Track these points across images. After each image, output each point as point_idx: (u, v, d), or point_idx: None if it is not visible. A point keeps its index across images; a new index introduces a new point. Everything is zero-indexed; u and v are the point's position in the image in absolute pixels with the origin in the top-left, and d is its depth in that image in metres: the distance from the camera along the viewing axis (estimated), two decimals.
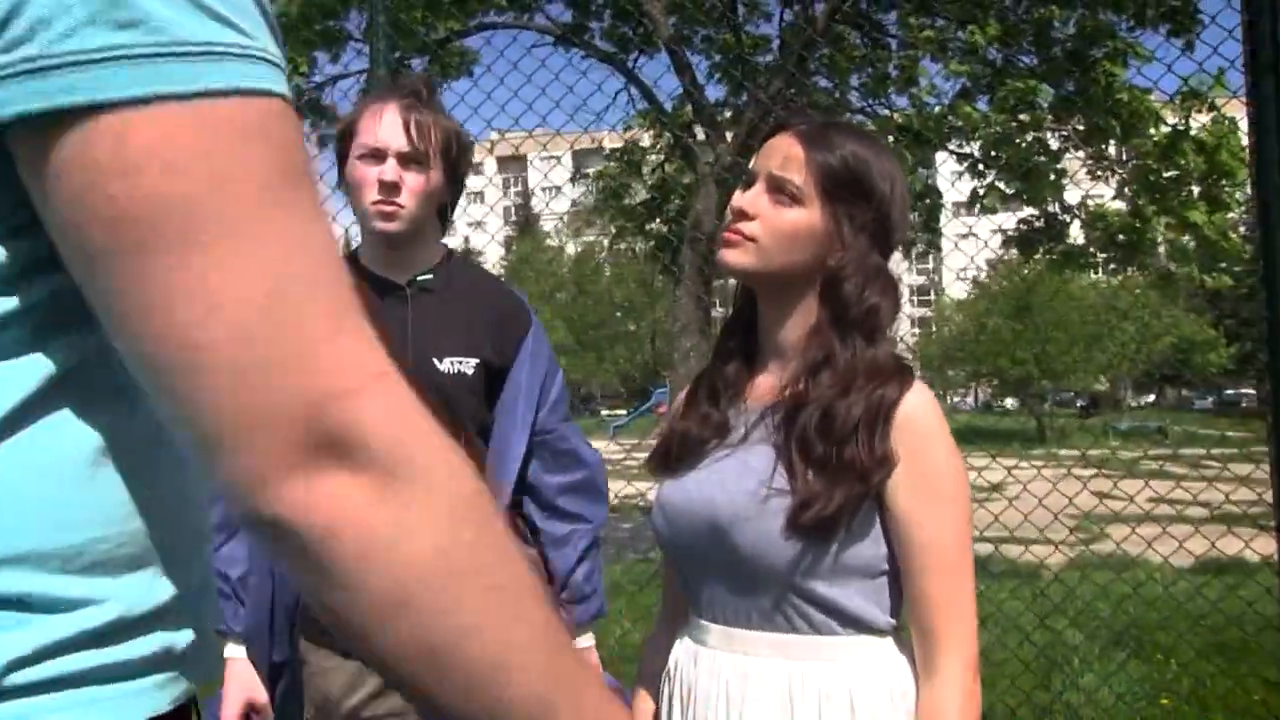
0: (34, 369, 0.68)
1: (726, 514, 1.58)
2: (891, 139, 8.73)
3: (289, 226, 0.65)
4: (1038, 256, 9.71)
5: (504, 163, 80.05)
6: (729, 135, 8.87)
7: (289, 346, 0.63)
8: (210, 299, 0.62)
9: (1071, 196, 9.36)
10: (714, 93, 11.17)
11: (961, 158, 9.17)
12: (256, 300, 0.63)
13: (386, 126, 2.20)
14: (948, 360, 42.99)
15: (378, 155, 2.20)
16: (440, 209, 2.34)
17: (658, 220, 11.20)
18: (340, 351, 0.65)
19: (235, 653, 2.23)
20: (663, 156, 11.02)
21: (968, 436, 28.55)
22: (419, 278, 2.30)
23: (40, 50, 0.59)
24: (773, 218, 1.62)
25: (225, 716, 2.19)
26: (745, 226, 1.63)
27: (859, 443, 1.52)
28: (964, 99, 8.69)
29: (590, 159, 14.47)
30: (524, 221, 77.58)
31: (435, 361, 2.22)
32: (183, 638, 0.76)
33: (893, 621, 1.61)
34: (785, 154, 1.63)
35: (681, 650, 1.71)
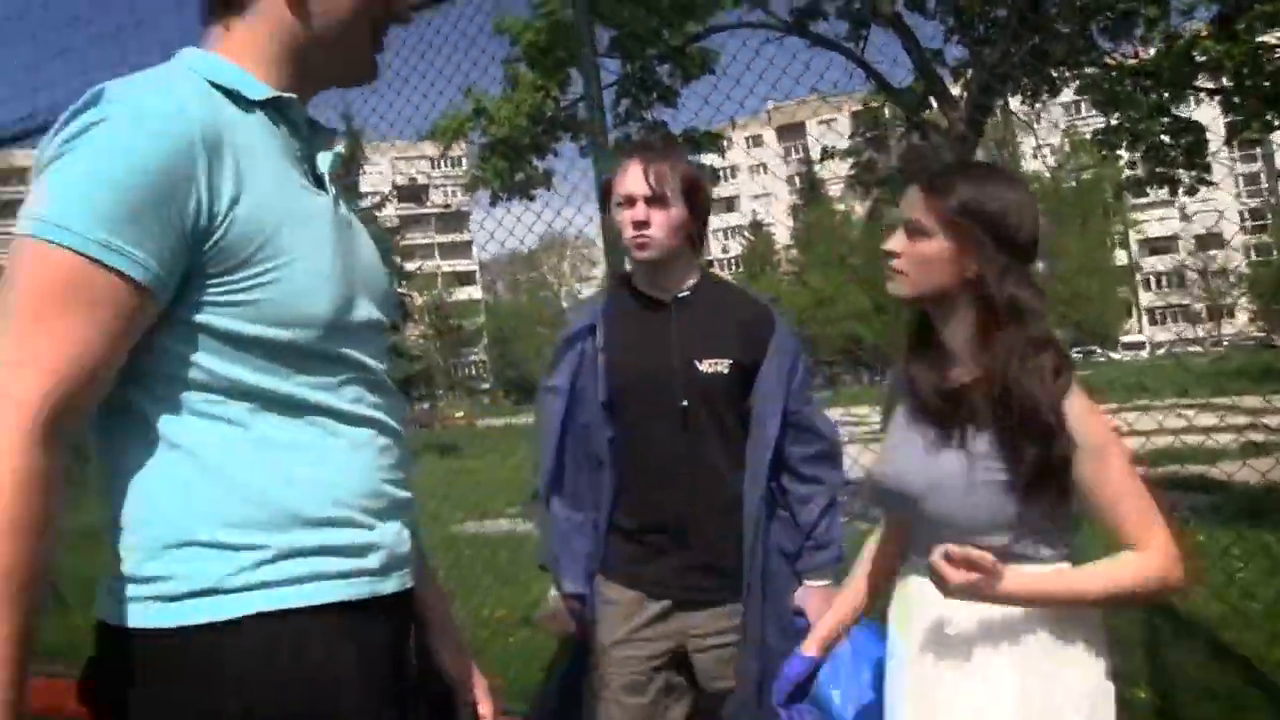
0: None
1: (929, 482, 2.05)
2: (1128, 84, 8.52)
3: None
4: None
5: (783, 132, 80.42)
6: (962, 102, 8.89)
7: None
8: None
9: None
10: (955, 52, 11.19)
11: (1212, 93, 8.80)
12: None
13: (632, 178, 2.80)
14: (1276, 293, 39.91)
15: (629, 201, 2.80)
16: (689, 237, 2.89)
17: None
18: None
19: (555, 587, 2.94)
20: (902, 129, 11.13)
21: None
22: (680, 295, 2.88)
23: None
24: (911, 251, 2.08)
25: (553, 629, 3.01)
26: (894, 263, 2.11)
27: (1039, 413, 1.94)
28: (1213, 31, 8.35)
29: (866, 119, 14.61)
30: (808, 187, 77.90)
31: (696, 364, 2.79)
32: None
33: (1063, 552, 2.02)
34: (913, 201, 2.10)
35: (906, 575, 2.21)
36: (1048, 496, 1.95)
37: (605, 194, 2.95)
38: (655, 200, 2.78)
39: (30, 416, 1.20)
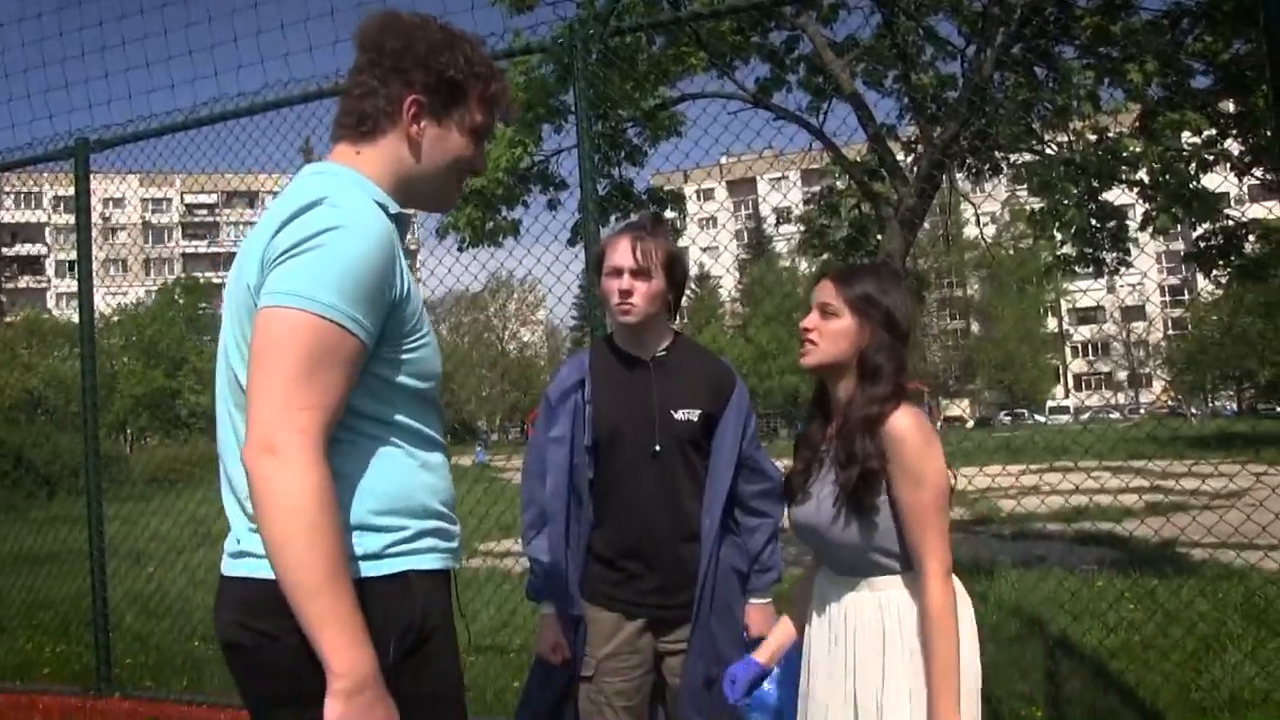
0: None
1: (819, 522, 2.66)
2: (1061, 171, 9.37)
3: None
4: (1215, 272, 10.07)
5: (734, 187, 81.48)
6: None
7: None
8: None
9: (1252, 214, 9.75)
10: (908, 129, 12.03)
11: (1131, 184, 9.68)
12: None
13: (621, 252, 3.33)
14: (1191, 364, 41.46)
15: (617, 272, 3.33)
16: (666, 304, 3.42)
17: (862, 254, 12.03)
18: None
19: (548, 609, 3.43)
20: (855, 200, 11.89)
21: (1215, 444, 27.51)
22: (657, 355, 3.42)
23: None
24: (823, 327, 2.71)
25: (542, 652, 3.41)
26: (808, 335, 2.73)
27: (859, 440, 2.57)
28: (1135, 133, 9.23)
29: (820, 178, 15.24)
30: (756, 244, 78.88)
31: (672, 412, 3.33)
32: None
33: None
34: (828, 289, 2.73)
35: (817, 588, 2.83)
36: (873, 509, 2.56)
37: (597, 263, 3.47)
38: (639, 273, 3.29)
39: (315, 444, 1.76)
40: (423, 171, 2.13)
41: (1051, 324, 79.21)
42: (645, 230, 3.37)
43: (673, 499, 3.32)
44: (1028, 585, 8.81)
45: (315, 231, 1.84)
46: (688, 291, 3.63)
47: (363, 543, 1.91)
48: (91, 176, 6.83)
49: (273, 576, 1.79)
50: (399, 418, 2.00)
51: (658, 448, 3.31)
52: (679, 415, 3.32)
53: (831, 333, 2.68)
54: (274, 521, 1.73)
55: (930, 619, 2.47)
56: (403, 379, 1.98)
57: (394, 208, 2.07)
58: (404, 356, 1.98)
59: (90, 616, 6.90)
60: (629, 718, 3.31)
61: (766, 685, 2.94)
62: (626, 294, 3.30)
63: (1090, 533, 12.50)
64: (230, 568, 1.94)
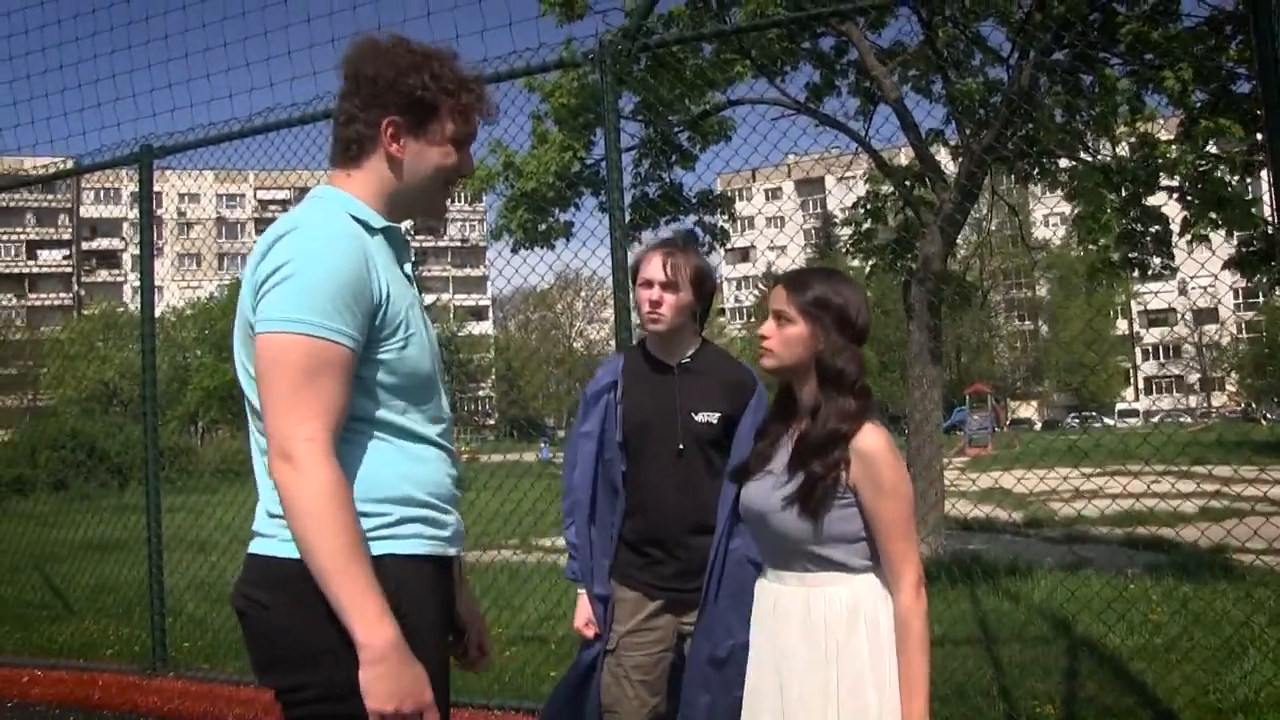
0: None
1: (766, 508, 2.78)
2: (1095, 184, 9.39)
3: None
4: (1259, 277, 10.02)
5: (802, 186, 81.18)
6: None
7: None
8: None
9: None
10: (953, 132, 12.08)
11: (1169, 190, 9.68)
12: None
13: (653, 266, 3.66)
14: (1258, 369, 40.55)
15: (649, 284, 3.66)
16: (693, 315, 3.73)
17: (908, 258, 12.12)
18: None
19: (582, 588, 3.74)
20: (900, 204, 11.98)
21: None
22: (682, 361, 3.73)
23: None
24: (778, 334, 2.82)
25: (575, 626, 3.74)
26: (764, 343, 2.86)
27: (823, 457, 2.69)
28: (1176, 139, 9.24)
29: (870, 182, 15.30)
30: (824, 242, 78.56)
31: (693, 415, 3.62)
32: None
33: (868, 563, 2.71)
34: (781, 296, 2.85)
35: (759, 582, 2.95)
36: (824, 513, 2.63)
37: (633, 273, 3.78)
38: (669, 286, 3.61)
39: (324, 447, 1.99)
40: (408, 185, 2.32)
41: (1122, 326, 77.92)
42: (677, 247, 3.71)
43: (693, 494, 3.59)
44: (1063, 588, 8.88)
45: (284, 260, 2.06)
46: (756, 289, 3.85)
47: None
48: (168, 173, 7.29)
49: (272, 554, 2.07)
50: (382, 414, 2.18)
51: (681, 447, 3.61)
52: (699, 417, 3.62)
53: (786, 338, 2.77)
54: (296, 519, 1.97)
55: (906, 627, 2.59)
56: (384, 377, 2.17)
57: (379, 222, 2.26)
58: (384, 357, 2.16)
59: (149, 600, 7.33)
60: (645, 691, 3.59)
61: None
62: (656, 304, 3.63)
63: (1141, 537, 12.45)
64: (250, 546, 2.18)
